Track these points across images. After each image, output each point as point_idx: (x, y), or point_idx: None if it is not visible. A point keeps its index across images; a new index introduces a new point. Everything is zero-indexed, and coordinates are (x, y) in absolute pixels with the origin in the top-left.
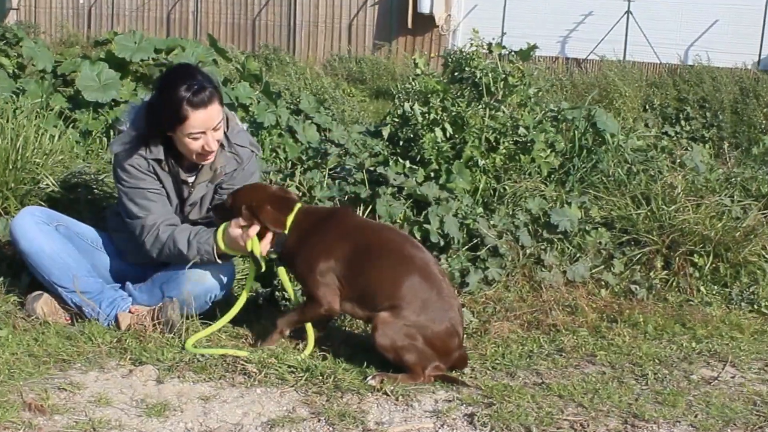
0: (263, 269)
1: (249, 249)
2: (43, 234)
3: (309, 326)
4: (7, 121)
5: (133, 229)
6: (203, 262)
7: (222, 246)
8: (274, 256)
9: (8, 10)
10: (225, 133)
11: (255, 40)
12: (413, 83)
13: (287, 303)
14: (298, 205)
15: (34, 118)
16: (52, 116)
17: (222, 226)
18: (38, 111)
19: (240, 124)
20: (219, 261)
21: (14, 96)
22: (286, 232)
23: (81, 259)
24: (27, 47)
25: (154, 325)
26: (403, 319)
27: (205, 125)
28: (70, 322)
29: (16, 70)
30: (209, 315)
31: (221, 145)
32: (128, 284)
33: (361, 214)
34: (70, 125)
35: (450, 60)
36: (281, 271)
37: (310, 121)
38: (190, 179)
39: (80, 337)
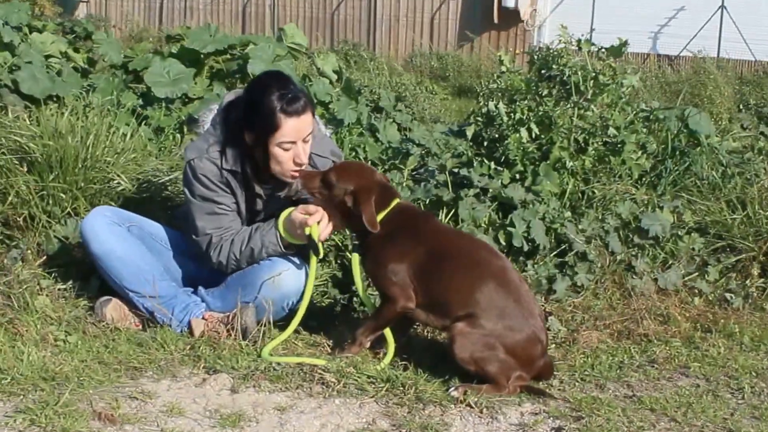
0: (321, 255)
1: (307, 233)
2: (115, 235)
3: (388, 333)
4: (78, 119)
5: (199, 244)
6: (269, 255)
7: (282, 232)
8: (356, 242)
9: (78, 3)
10: None
11: (334, 34)
12: (498, 81)
13: (364, 309)
14: (396, 201)
15: (105, 116)
16: (123, 113)
17: (284, 213)
18: (109, 108)
19: (324, 129)
20: (284, 250)
21: (83, 92)
22: (377, 226)
23: (154, 261)
24: (99, 41)
25: (228, 331)
26: (481, 329)
27: (297, 135)
28: (140, 327)
29: (86, 66)
30: (287, 322)
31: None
32: (201, 289)
33: (443, 219)
34: (142, 122)
35: (537, 57)
36: (354, 258)
37: (391, 120)
38: (267, 190)
39: (152, 343)
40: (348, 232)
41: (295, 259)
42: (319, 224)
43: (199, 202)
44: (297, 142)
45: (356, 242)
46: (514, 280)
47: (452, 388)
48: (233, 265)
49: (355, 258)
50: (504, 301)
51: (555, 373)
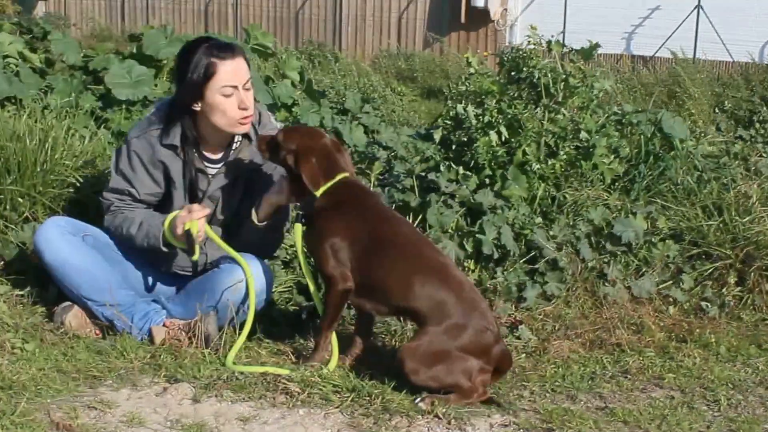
0: (195, 257)
1: (186, 228)
2: (70, 245)
3: (333, 338)
4: (36, 121)
5: (102, 204)
6: (149, 246)
7: (166, 229)
8: (300, 212)
9: (36, 1)
10: (254, 126)
11: (298, 34)
12: (467, 83)
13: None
14: (342, 175)
15: (64, 118)
16: (82, 116)
17: (174, 213)
18: (67, 110)
19: (274, 121)
20: (164, 249)
21: (42, 94)
22: (318, 195)
23: (111, 270)
24: (55, 41)
25: (190, 339)
26: (428, 336)
27: (235, 78)
28: (100, 335)
29: (43, 66)
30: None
31: (248, 138)
32: (161, 297)
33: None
34: (102, 125)
35: (506, 59)
36: (297, 228)
37: (357, 122)
38: (211, 171)
39: (111, 352)
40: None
41: (256, 261)
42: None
43: (117, 176)
44: (237, 87)
45: (301, 213)
46: (456, 275)
47: (419, 399)
48: (118, 237)
49: (298, 228)
50: (446, 296)
51: (525, 383)
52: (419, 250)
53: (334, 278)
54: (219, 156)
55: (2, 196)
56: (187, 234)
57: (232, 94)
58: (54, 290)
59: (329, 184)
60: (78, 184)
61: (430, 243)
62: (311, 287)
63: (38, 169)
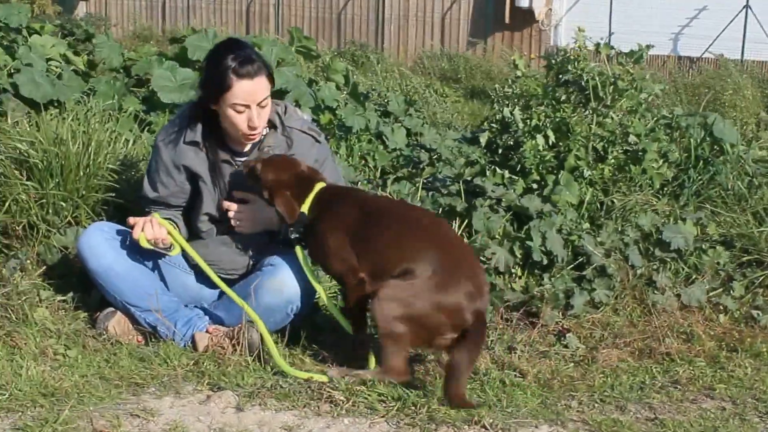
0: (174, 253)
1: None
2: (114, 251)
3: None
4: (79, 125)
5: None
6: None
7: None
8: (294, 235)
9: (77, 1)
10: (280, 117)
11: (340, 35)
12: (513, 86)
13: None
14: (320, 185)
15: (107, 121)
16: (125, 119)
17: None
18: (110, 113)
19: (302, 114)
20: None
21: (85, 97)
22: (307, 213)
23: (154, 276)
24: (98, 45)
25: (233, 346)
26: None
27: (249, 98)
28: (143, 342)
29: (86, 69)
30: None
31: (274, 127)
32: (203, 304)
33: (457, 230)
34: (145, 129)
35: (554, 61)
36: (298, 250)
37: (399, 125)
38: (239, 159)
39: (154, 359)
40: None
41: (289, 267)
42: (144, 230)
43: (145, 180)
44: (251, 106)
45: (296, 235)
46: (447, 233)
47: (330, 369)
48: None
49: (299, 250)
50: (438, 252)
51: (573, 393)
52: (407, 215)
53: (344, 275)
54: (246, 149)
55: (45, 201)
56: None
57: (244, 112)
58: (96, 295)
59: (310, 197)
60: (121, 189)
61: (421, 208)
62: (328, 304)
63: (81, 173)
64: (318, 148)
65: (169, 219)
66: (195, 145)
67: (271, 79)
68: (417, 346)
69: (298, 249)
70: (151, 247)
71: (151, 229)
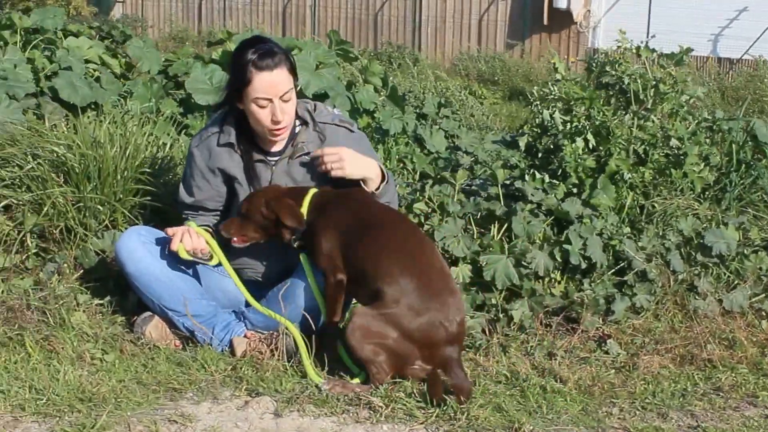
0: (213, 263)
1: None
2: (151, 255)
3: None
4: (116, 128)
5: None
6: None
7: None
8: (296, 244)
9: (113, 3)
10: (311, 114)
11: (377, 36)
12: (553, 89)
13: None
14: (313, 191)
15: (144, 124)
16: (162, 122)
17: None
18: (148, 116)
19: (332, 110)
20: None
21: (122, 99)
22: (304, 221)
23: (192, 280)
24: (135, 47)
25: (271, 351)
26: (377, 310)
27: (270, 90)
28: (180, 347)
29: (124, 71)
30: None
31: (305, 123)
32: (242, 306)
33: (495, 234)
34: (182, 131)
35: (594, 64)
36: (302, 258)
37: (437, 127)
38: (273, 158)
39: (192, 363)
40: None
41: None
42: (182, 240)
43: (181, 185)
44: (273, 99)
45: (299, 244)
46: (429, 260)
47: (323, 383)
48: None
49: (303, 258)
50: (409, 279)
51: (614, 400)
52: (395, 233)
53: (327, 271)
54: (280, 148)
55: (82, 204)
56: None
57: (267, 106)
58: (133, 299)
59: (306, 201)
60: (158, 192)
61: (413, 227)
62: (313, 288)
63: (118, 177)
64: (352, 138)
65: (206, 226)
66: (229, 146)
67: (294, 73)
68: (392, 372)
69: (302, 257)
70: (191, 258)
71: (190, 239)
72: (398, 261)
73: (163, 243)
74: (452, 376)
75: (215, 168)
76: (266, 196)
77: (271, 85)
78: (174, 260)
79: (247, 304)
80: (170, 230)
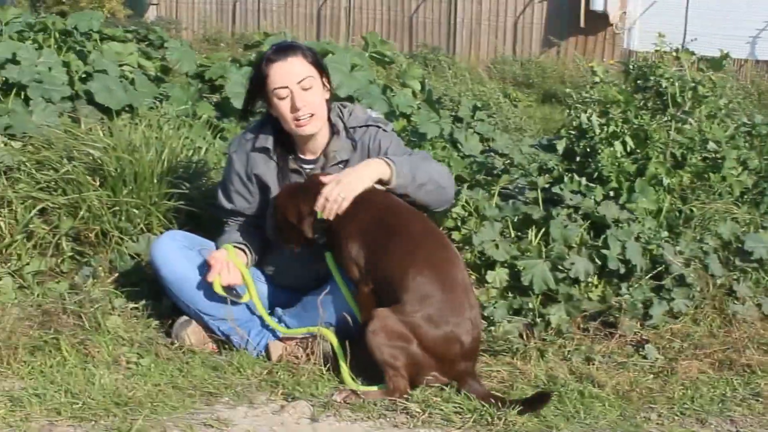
0: (242, 300)
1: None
2: (187, 260)
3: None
4: (152, 131)
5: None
6: None
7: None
8: (321, 241)
9: (148, 5)
10: (343, 120)
11: (412, 38)
12: (591, 92)
13: None
14: None
15: (179, 127)
16: (198, 125)
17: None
18: (183, 119)
19: (370, 112)
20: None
21: (157, 102)
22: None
23: None
24: (172, 50)
25: (307, 355)
26: (400, 314)
27: (286, 78)
28: (217, 351)
29: (159, 74)
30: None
31: (335, 132)
32: (278, 310)
33: (533, 239)
34: (218, 135)
35: (632, 66)
36: (328, 257)
37: (471, 130)
38: (308, 167)
39: (228, 368)
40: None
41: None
42: (220, 274)
43: (220, 192)
44: (290, 87)
45: (323, 241)
46: (454, 275)
47: (336, 393)
48: None
49: (328, 256)
50: (433, 292)
51: (652, 405)
52: (421, 243)
53: (358, 283)
54: (316, 155)
55: (118, 207)
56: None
57: (287, 97)
58: (168, 303)
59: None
60: (193, 196)
61: (440, 237)
62: (357, 313)
63: (154, 181)
64: (385, 136)
65: (245, 245)
66: (265, 152)
67: (317, 66)
68: (408, 377)
69: (327, 256)
70: (224, 294)
71: (228, 274)
72: (422, 271)
73: (200, 248)
74: (468, 389)
75: (252, 174)
76: (278, 198)
77: (285, 73)
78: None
79: (283, 306)
80: (212, 259)
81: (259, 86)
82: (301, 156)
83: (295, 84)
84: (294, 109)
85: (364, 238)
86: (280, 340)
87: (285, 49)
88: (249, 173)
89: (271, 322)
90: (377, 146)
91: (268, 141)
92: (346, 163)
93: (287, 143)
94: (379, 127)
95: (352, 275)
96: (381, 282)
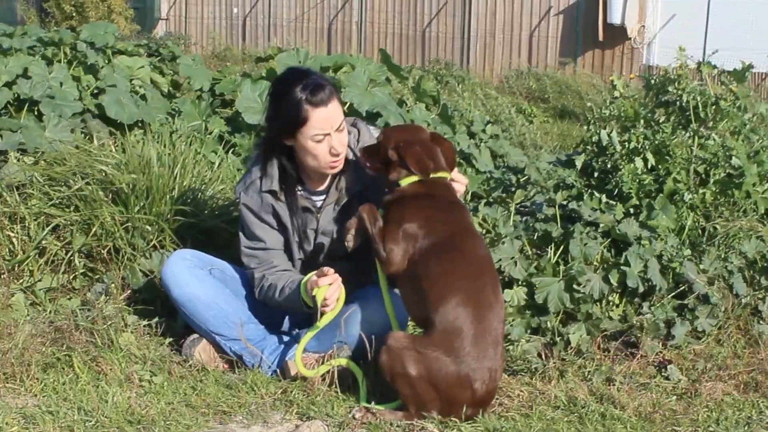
0: (320, 326)
1: (314, 293)
2: (197, 280)
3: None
4: (164, 147)
5: (249, 278)
6: (293, 310)
7: (302, 290)
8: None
9: (157, 20)
10: (352, 149)
11: (425, 53)
12: (610, 107)
13: None
14: (443, 174)
15: (192, 143)
16: (210, 141)
17: (310, 274)
18: (195, 134)
19: (372, 130)
20: (307, 310)
21: (169, 117)
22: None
23: (239, 305)
24: (184, 65)
25: (323, 375)
26: (423, 345)
27: (327, 125)
28: (228, 368)
29: (171, 89)
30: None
31: (347, 161)
32: (298, 331)
33: (552, 257)
34: (230, 150)
35: (653, 80)
36: (380, 274)
37: (485, 146)
38: (318, 202)
39: (242, 386)
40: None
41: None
42: (330, 285)
43: (244, 239)
44: (330, 133)
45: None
46: (491, 319)
47: (355, 409)
48: (274, 307)
49: (381, 275)
50: (465, 330)
51: (676, 428)
52: (477, 275)
53: (389, 254)
54: (325, 185)
55: (130, 224)
56: (313, 300)
57: (323, 140)
58: (181, 321)
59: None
60: (206, 212)
61: (495, 276)
62: (394, 324)
63: (167, 197)
64: None
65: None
66: (272, 194)
67: (341, 101)
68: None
69: (380, 272)
70: (315, 305)
71: (335, 291)
72: (466, 304)
73: (210, 267)
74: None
75: (269, 212)
76: (403, 136)
77: (327, 119)
78: (220, 284)
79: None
80: (328, 270)
81: (294, 127)
82: (310, 187)
83: (334, 130)
84: (334, 153)
85: (425, 233)
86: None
87: (322, 90)
88: (267, 211)
89: (299, 356)
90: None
91: (273, 182)
92: (359, 194)
93: (294, 178)
94: None
95: (386, 244)
96: (416, 284)
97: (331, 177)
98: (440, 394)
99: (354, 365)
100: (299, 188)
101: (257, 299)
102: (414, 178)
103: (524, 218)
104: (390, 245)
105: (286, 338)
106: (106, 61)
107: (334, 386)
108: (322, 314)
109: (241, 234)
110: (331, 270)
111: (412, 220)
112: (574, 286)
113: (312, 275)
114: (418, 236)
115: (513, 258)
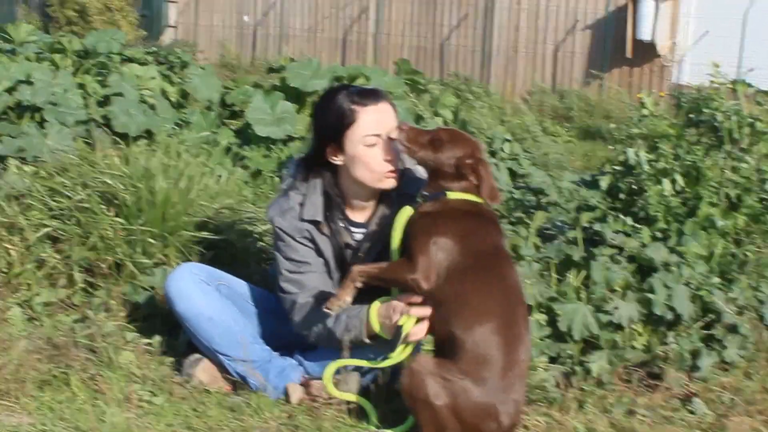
0: (397, 359)
1: (400, 323)
2: (204, 295)
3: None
4: (170, 158)
5: (284, 304)
6: (353, 343)
7: (372, 317)
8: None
9: (164, 27)
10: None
11: (443, 66)
12: (639, 126)
13: None
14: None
15: (199, 155)
16: (218, 153)
17: (381, 299)
18: (202, 146)
19: (420, 176)
20: (367, 341)
21: (177, 128)
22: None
23: (246, 323)
24: (193, 76)
25: (328, 400)
26: (448, 372)
27: (380, 125)
28: (231, 390)
29: (179, 99)
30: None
31: (387, 193)
32: (296, 354)
33: (573, 280)
34: (238, 163)
35: (684, 99)
36: (406, 210)
37: (505, 165)
38: (358, 236)
39: (245, 409)
40: None
41: None
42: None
43: (284, 262)
44: (382, 135)
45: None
46: (519, 351)
47: None
48: (312, 339)
49: (406, 211)
50: (494, 359)
51: None
52: (512, 303)
53: (415, 266)
54: (366, 217)
55: (133, 238)
56: (397, 328)
57: (376, 144)
58: (184, 339)
59: (466, 196)
60: (213, 227)
61: (525, 305)
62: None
63: (171, 210)
64: None
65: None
66: (315, 224)
67: (394, 106)
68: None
69: (407, 209)
70: (387, 335)
71: (425, 327)
72: (497, 332)
73: (218, 283)
74: None
75: (305, 231)
76: (477, 151)
77: (379, 119)
78: (228, 302)
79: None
80: (417, 298)
81: (341, 130)
82: (351, 218)
83: (388, 133)
84: (389, 160)
85: (460, 251)
86: (302, 384)
87: (374, 93)
88: (303, 232)
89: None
90: None
91: (317, 211)
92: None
93: (337, 204)
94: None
95: (415, 256)
96: (443, 306)
97: (374, 207)
98: (464, 425)
99: (364, 400)
100: (340, 216)
101: (293, 329)
102: (468, 196)
103: (546, 240)
104: (421, 259)
105: (291, 359)
106: (114, 68)
107: (341, 410)
108: (406, 344)
109: (279, 257)
110: (416, 297)
111: (454, 235)
112: (601, 312)
113: (389, 299)
114: (455, 252)
115: (532, 281)
